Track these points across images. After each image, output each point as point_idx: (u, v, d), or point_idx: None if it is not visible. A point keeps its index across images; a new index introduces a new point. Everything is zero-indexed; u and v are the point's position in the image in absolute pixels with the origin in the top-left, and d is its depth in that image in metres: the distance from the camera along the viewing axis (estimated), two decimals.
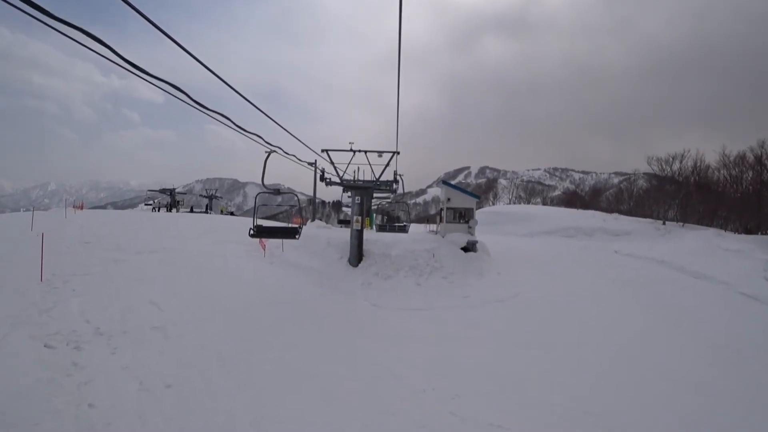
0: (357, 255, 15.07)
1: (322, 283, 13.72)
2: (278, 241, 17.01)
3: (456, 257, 15.54)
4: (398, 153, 14.99)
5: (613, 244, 21.94)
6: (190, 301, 10.58)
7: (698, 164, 27.60)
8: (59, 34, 3.80)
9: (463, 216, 17.55)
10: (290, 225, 10.62)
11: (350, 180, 16.30)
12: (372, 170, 15.69)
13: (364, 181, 16.24)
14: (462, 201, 17.51)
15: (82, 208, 29.19)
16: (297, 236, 10.01)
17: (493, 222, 28.61)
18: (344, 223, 21.62)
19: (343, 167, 15.90)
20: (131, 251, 14.92)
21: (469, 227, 16.97)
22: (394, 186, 18.80)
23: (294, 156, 11.69)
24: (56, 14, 3.43)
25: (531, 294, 13.59)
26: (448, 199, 17.30)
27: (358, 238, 15.11)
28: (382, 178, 15.92)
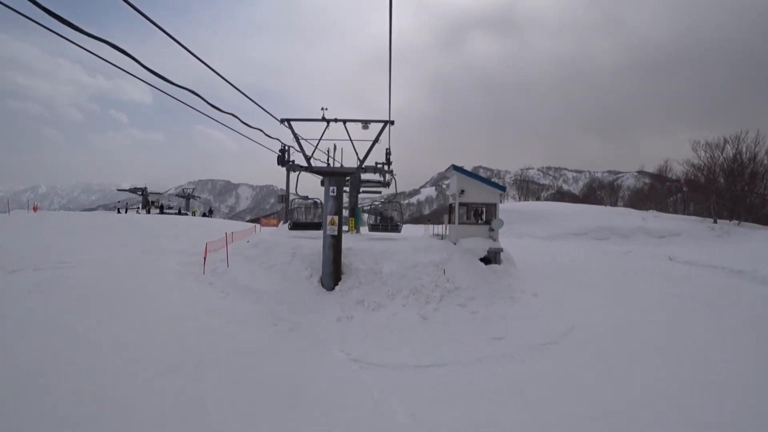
0: (333, 272, 10.30)
1: (279, 318, 9.05)
2: (222, 251, 12.32)
3: (475, 273, 10.96)
4: (392, 123, 10.40)
5: (660, 248, 17.59)
6: (35, 369, 5.97)
7: (758, 145, 23.36)
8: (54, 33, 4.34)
9: (481, 214, 12.98)
10: None
11: (325, 164, 11.65)
12: (355, 150, 11.07)
13: (342, 165, 11.59)
14: (480, 194, 12.74)
15: (36, 209, 28.49)
16: None
17: (504, 222, 24.09)
18: (301, 226, 14.64)
19: (319, 146, 11.25)
20: (3, 270, 10.50)
21: (491, 230, 12.37)
22: (387, 178, 14.23)
23: (260, 130, 8.22)
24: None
25: (589, 328, 9.10)
26: (462, 192, 12.49)
27: (333, 248, 10.33)
28: (368, 162, 11.32)
